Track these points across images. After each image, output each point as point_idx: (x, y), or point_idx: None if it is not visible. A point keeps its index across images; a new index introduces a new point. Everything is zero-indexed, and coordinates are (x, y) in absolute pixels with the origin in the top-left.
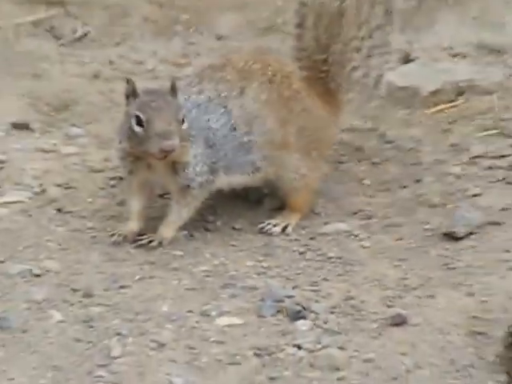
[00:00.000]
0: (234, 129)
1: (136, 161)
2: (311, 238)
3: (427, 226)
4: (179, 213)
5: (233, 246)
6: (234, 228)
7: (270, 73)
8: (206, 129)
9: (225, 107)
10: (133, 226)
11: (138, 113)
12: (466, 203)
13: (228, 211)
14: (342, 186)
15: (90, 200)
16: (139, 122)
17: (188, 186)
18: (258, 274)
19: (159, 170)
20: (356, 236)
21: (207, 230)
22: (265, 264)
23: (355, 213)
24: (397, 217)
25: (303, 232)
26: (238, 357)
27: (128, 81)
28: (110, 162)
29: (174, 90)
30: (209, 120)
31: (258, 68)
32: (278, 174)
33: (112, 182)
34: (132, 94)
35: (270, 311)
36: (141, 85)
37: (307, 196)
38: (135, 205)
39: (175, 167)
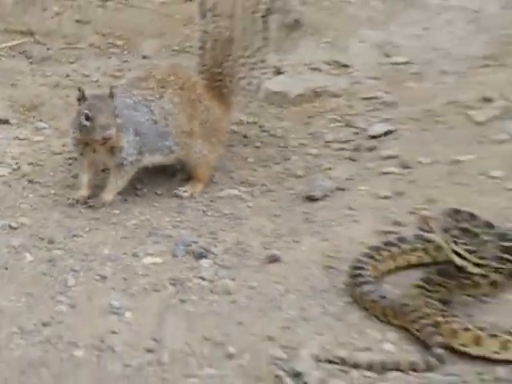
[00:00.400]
0: (155, 122)
1: (85, 146)
2: (211, 201)
3: (293, 191)
4: (116, 183)
5: (155, 206)
6: (156, 193)
7: (180, 82)
8: (135, 123)
9: (148, 107)
10: (83, 192)
11: (86, 111)
12: (321, 175)
13: (151, 181)
14: (233, 163)
15: (52, 174)
16: (87, 118)
17: (122, 163)
18: (173, 227)
19: (102, 152)
20: (243, 199)
21: (136, 195)
22: (178, 219)
23: (242, 182)
24: (272, 185)
25: (205, 196)
26: (158, 286)
27: (79, 89)
28: (66, 147)
29: (111, 95)
30: (137, 116)
31: (172, 79)
32: (187, 155)
33: (69, 162)
34: (82, 97)
35: (182, 253)
36: (88, 91)
37: (208, 170)
38: (85, 177)
39: (113, 150)
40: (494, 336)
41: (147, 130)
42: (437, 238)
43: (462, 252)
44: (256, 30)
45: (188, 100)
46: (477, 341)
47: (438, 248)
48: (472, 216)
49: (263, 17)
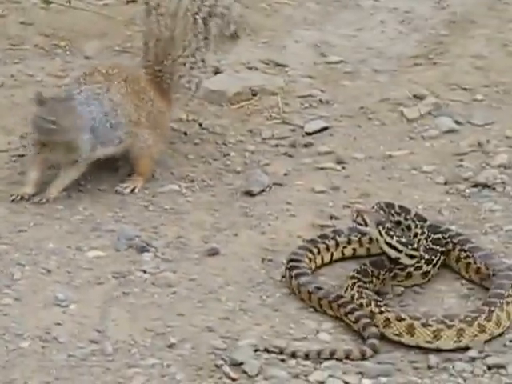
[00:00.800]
0: (106, 115)
1: (42, 146)
2: (153, 196)
3: (232, 187)
4: (63, 179)
5: (98, 202)
6: (99, 189)
7: (124, 75)
8: (89, 119)
9: (99, 100)
10: (27, 189)
11: (49, 115)
12: (259, 170)
13: (95, 178)
14: (174, 160)
15: None
16: (50, 121)
17: (76, 160)
18: (116, 221)
19: (59, 151)
20: (183, 194)
21: (80, 191)
22: (120, 214)
23: (183, 178)
24: (211, 180)
25: (146, 192)
26: (101, 279)
27: (37, 93)
28: (12, 145)
29: (71, 96)
30: (90, 112)
31: (116, 72)
32: (133, 144)
33: (13, 159)
34: (41, 100)
35: (124, 247)
36: (47, 94)
37: (150, 163)
38: (33, 174)
39: (70, 148)
40: (427, 325)
41: (99, 123)
42: (371, 231)
43: (395, 244)
44: (196, 31)
45: (133, 91)
46: (410, 330)
47: (372, 240)
48: (404, 209)
49: (204, 18)
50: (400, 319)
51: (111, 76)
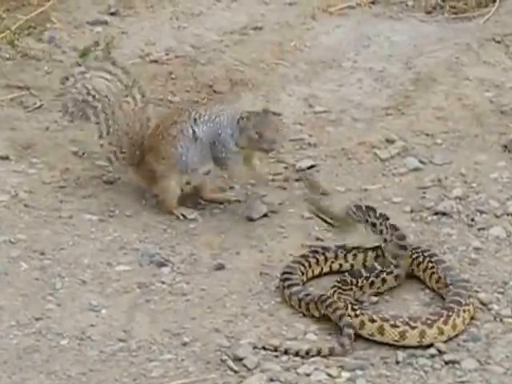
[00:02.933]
0: None
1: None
2: (170, 221)
3: (236, 213)
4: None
5: (125, 225)
6: (126, 215)
7: None
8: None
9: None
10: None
11: (256, 128)
12: (258, 200)
13: (123, 205)
14: (188, 191)
15: (43, 199)
16: (257, 133)
17: None
18: (140, 241)
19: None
20: (196, 219)
21: (110, 216)
22: (143, 235)
23: (195, 206)
24: (219, 208)
25: (165, 217)
26: (128, 288)
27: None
28: (54, 178)
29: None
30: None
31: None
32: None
33: (55, 190)
34: (247, 117)
35: (146, 262)
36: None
37: None
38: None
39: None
40: (395, 326)
41: None
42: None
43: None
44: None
45: None
46: (380, 330)
47: (355, 256)
48: (371, 208)
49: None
50: (372, 321)
51: None
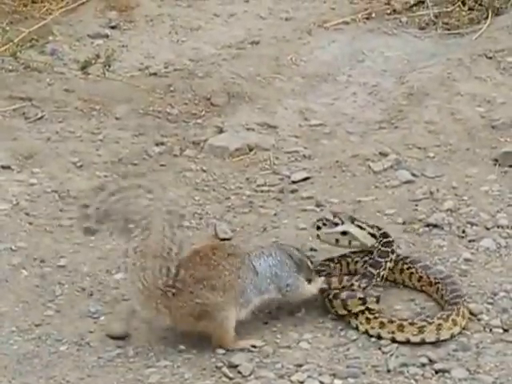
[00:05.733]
0: None
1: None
2: None
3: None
4: None
5: None
6: None
7: None
8: None
9: None
10: None
11: None
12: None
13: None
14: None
15: (44, 208)
16: None
17: None
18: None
19: None
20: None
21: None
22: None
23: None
24: (215, 218)
25: None
26: (125, 296)
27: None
28: (53, 188)
29: None
30: None
31: None
32: None
33: (56, 199)
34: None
35: None
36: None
37: None
38: None
39: None
40: (412, 324)
41: None
42: (348, 226)
43: (371, 231)
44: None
45: None
46: (400, 328)
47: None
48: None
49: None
50: (391, 321)
51: None
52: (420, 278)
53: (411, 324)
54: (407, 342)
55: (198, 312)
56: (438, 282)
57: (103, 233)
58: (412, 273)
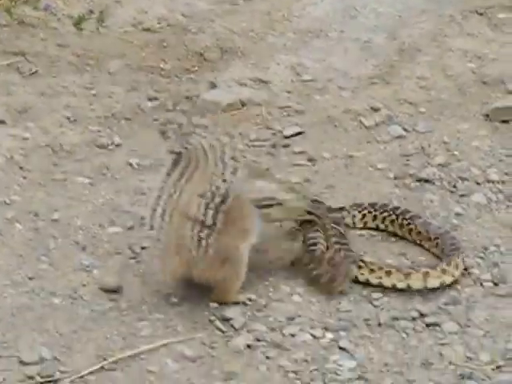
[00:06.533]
0: None
1: None
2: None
3: None
4: None
5: (118, 191)
6: (115, 178)
7: None
8: None
9: None
10: None
11: None
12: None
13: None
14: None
15: (37, 163)
16: None
17: None
18: (131, 205)
19: None
20: None
21: (103, 180)
22: (135, 198)
23: None
24: None
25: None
26: (119, 250)
27: None
28: (48, 141)
29: None
30: None
31: None
32: None
33: (49, 153)
34: None
35: (138, 224)
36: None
37: None
38: None
39: None
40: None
41: None
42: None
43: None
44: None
45: None
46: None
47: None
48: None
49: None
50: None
51: None
52: (419, 233)
53: (398, 270)
54: (393, 289)
55: (224, 256)
56: (437, 238)
57: (98, 185)
58: (411, 229)
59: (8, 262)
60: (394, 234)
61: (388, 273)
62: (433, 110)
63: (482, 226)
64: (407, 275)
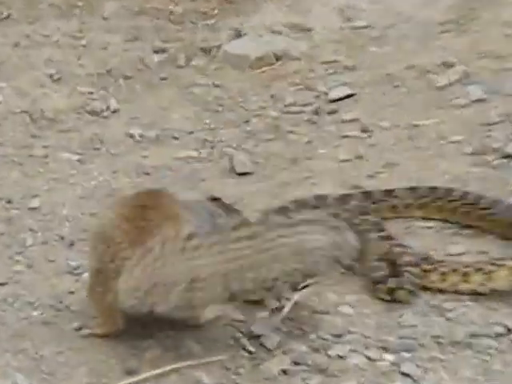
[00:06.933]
0: None
1: None
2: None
3: None
4: None
5: (116, 171)
6: (111, 153)
7: None
8: None
9: None
10: None
11: None
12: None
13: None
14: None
15: (11, 134)
16: None
17: None
18: (131, 187)
19: None
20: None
21: (95, 155)
22: (136, 180)
23: (202, 142)
24: (231, 147)
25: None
26: None
27: None
28: (24, 106)
29: None
30: None
31: None
32: None
33: (26, 121)
34: None
35: None
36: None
37: None
38: None
39: None
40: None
41: None
42: None
43: None
44: None
45: None
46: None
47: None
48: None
49: None
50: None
51: None
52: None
53: (478, 270)
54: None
55: None
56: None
57: (89, 163)
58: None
59: None
60: (469, 226)
61: (465, 275)
62: None
63: None
64: (488, 274)
